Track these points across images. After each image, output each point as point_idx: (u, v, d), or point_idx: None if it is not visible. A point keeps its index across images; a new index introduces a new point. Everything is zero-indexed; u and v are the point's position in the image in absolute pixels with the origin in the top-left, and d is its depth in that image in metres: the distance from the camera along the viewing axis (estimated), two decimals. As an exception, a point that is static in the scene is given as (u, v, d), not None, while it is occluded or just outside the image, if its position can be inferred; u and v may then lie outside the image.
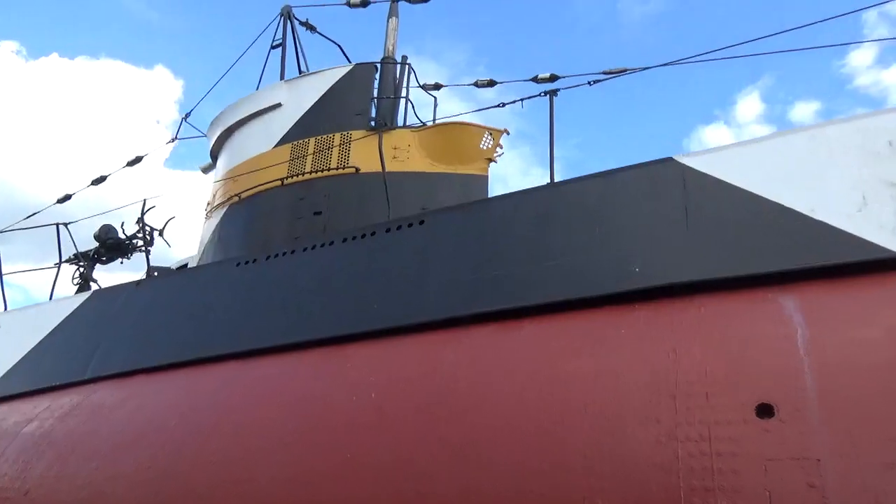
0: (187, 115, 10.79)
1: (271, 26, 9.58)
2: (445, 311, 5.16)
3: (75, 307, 8.26)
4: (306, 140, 8.15)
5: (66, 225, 9.38)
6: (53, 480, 5.88)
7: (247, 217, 8.18)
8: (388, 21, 9.38)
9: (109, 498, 5.55)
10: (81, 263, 10.82)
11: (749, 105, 41.57)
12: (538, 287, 4.79)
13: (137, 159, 11.11)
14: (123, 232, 10.60)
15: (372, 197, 7.58)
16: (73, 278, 10.75)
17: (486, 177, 7.70)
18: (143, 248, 10.72)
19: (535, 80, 8.57)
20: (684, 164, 4.66)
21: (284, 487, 4.76)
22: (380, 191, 7.60)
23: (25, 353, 8.10)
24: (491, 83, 9.56)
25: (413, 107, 8.46)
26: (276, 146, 8.38)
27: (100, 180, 11.01)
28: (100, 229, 10.58)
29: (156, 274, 8.93)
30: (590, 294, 4.55)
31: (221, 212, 8.63)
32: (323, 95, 8.36)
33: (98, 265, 10.95)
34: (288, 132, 8.36)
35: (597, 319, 4.50)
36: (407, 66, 8.99)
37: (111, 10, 41.13)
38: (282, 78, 9.13)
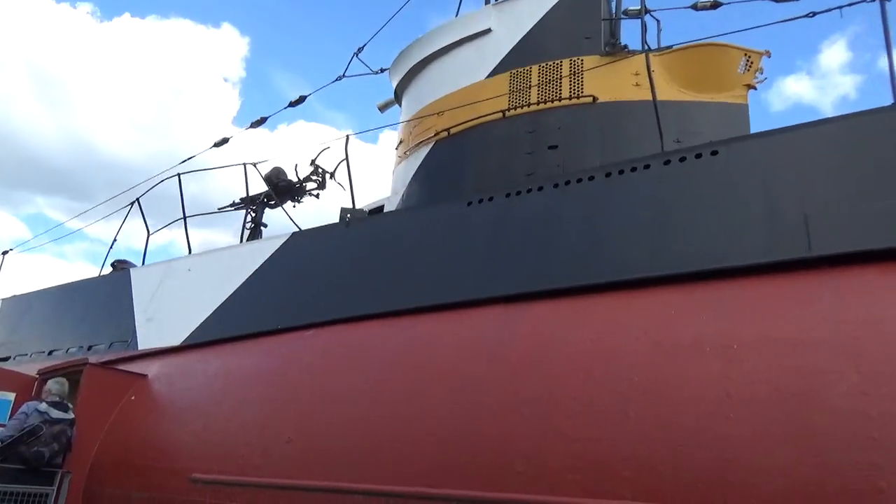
0: (360, 49, 10.18)
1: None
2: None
3: (274, 250, 7.85)
4: (528, 68, 7.32)
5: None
6: (313, 426, 5.44)
7: (460, 153, 7.47)
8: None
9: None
10: (252, 207, 10.51)
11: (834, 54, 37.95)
12: None
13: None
14: (296, 174, 10.17)
15: (615, 129, 6.74)
16: (244, 223, 10.46)
17: (746, 105, 6.71)
18: (313, 193, 10.33)
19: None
20: None
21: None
22: (624, 122, 6.77)
23: (229, 295, 7.77)
24: (714, 5, 8.43)
25: (657, 28, 7.46)
26: (488, 76, 7.59)
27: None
28: (270, 172, 10.18)
29: (348, 216, 8.42)
30: None
31: (423, 150, 7.96)
32: (542, 19, 7.49)
33: (267, 209, 10.62)
34: (503, 60, 7.55)
35: None
36: None
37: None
38: (488, 2, 8.29)
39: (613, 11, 7.74)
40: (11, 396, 6.93)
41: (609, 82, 6.84)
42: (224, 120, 44.29)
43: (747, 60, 6.76)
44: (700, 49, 6.81)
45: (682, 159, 5.29)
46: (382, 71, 10.48)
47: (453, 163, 7.47)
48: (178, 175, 9.29)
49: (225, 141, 11.60)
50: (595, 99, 6.83)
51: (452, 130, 7.58)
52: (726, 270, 4.53)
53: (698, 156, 5.22)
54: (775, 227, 4.49)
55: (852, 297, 4.02)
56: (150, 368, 7.55)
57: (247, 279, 7.82)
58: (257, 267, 7.84)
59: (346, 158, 7.54)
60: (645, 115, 6.73)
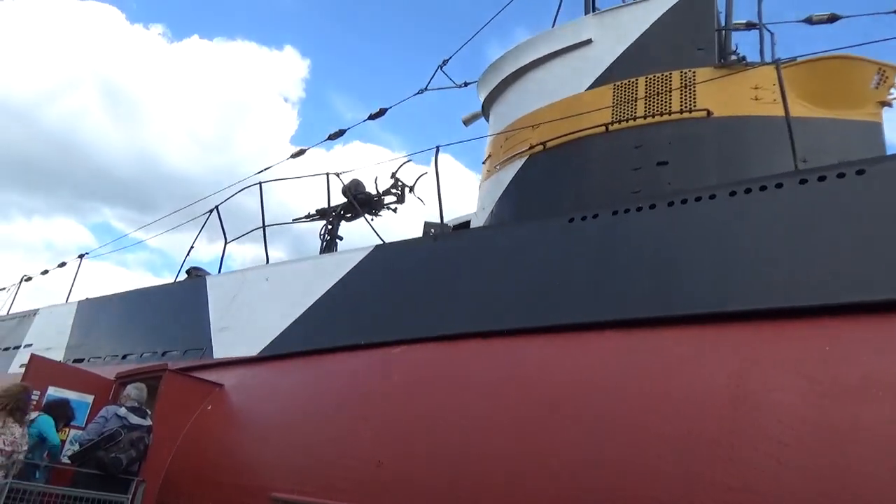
0: (444, 62, 9.97)
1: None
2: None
3: (356, 263, 7.59)
4: (633, 80, 6.92)
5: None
6: (408, 451, 5.06)
7: (557, 168, 7.09)
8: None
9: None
10: (329, 219, 10.35)
11: None
12: None
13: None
14: (376, 187, 9.98)
15: (733, 145, 6.24)
16: (320, 234, 10.30)
17: (880, 124, 6.12)
18: (391, 206, 10.10)
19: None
20: None
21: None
22: (743, 139, 6.27)
23: (308, 307, 7.53)
24: (832, 18, 7.88)
25: (770, 41, 6.97)
26: (589, 88, 7.22)
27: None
28: (349, 183, 10.00)
29: (433, 231, 8.13)
30: None
31: (516, 164, 7.61)
32: (648, 29, 7.08)
33: (344, 222, 10.45)
34: (605, 72, 7.17)
35: None
36: None
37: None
38: (587, 12, 7.95)
39: (724, 22, 7.29)
40: (90, 399, 6.80)
41: (725, 96, 6.36)
42: (283, 138, 45.39)
43: (881, 75, 6.19)
44: (829, 62, 6.27)
45: (822, 178, 4.77)
46: (466, 85, 10.26)
47: (550, 178, 7.08)
48: (260, 184, 9.20)
49: (301, 152, 11.60)
50: (710, 113, 6.35)
51: (549, 144, 7.21)
52: (885, 304, 3.99)
53: (840, 175, 4.70)
54: None
55: None
56: (227, 378, 7.34)
57: (327, 291, 7.57)
58: (338, 279, 7.59)
59: (436, 170, 7.25)
60: (766, 131, 6.25)
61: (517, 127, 7.73)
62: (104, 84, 39.67)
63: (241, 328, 8.21)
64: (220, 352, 8.14)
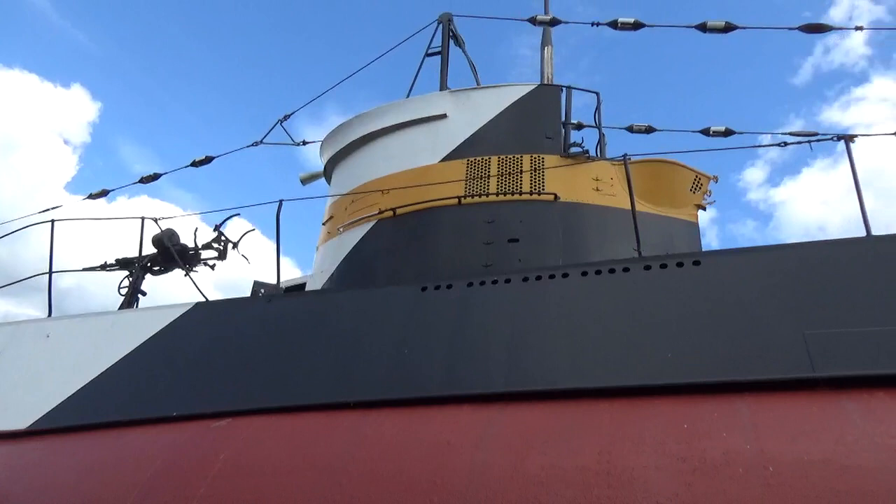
0: (286, 117, 9.58)
1: (423, 33, 8.62)
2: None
3: (170, 321, 6.61)
4: (486, 158, 7.08)
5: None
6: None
7: (407, 235, 6.90)
8: (542, 50, 8.64)
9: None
10: (130, 271, 9.03)
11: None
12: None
13: (208, 159, 9.83)
14: (195, 240, 8.95)
15: (577, 229, 6.56)
16: (119, 287, 8.91)
17: (697, 224, 6.86)
18: (209, 262, 9.14)
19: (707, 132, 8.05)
20: None
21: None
22: (584, 224, 6.64)
23: (105, 369, 6.33)
24: (649, 129, 8.93)
25: (599, 140, 7.60)
26: (443, 160, 7.25)
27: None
28: (164, 232, 8.87)
29: (262, 292, 7.40)
30: None
31: (363, 228, 7.30)
32: (502, 112, 7.38)
33: (148, 274, 9.17)
34: (459, 147, 7.27)
35: None
36: (569, 95, 8.17)
37: (35, 23, 38.73)
38: (442, 88, 8.09)
39: (564, 117, 7.86)
40: None
41: (571, 183, 6.75)
42: (57, 184, 39.84)
43: (696, 182, 7.00)
44: (656, 164, 6.98)
45: (664, 266, 5.14)
46: (305, 143, 9.90)
47: (399, 244, 6.87)
48: (52, 221, 7.79)
49: (105, 193, 10.33)
50: (557, 196, 6.67)
51: (399, 211, 7.04)
52: (744, 384, 4.25)
53: (679, 264, 5.10)
54: (770, 343, 4.32)
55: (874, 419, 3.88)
56: (-18, 457, 5.79)
57: (132, 351, 6.46)
58: (147, 338, 6.53)
59: (277, 225, 6.67)
60: (604, 220, 6.68)
61: (365, 190, 7.48)
62: None
63: (7, 393, 6.64)
64: (-27, 423, 6.46)
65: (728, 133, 8.27)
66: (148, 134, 42.54)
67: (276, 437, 5.00)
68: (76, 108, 42.28)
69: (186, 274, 9.21)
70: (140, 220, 7.64)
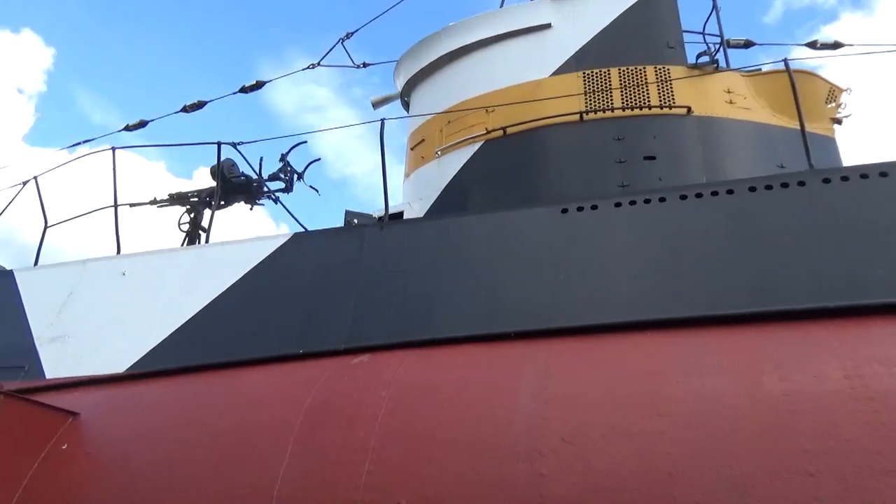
0: (348, 35, 8.77)
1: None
2: None
3: (266, 255, 6.00)
4: (605, 70, 6.45)
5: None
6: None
7: (524, 156, 6.30)
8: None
9: None
10: (188, 206, 8.33)
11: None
12: None
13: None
14: (259, 170, 8.22)
15: (715, 144, 6.03)
16: (179, 224, 8.22)
17: (834, 139, 6.37)
18: (274, 195, 8.46)
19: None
20: None
21: None
22: (722, 139, 6.11)
23: (200, 310, 5.73)
24: (748, 43, 8.30)
25: (726, 49, 6.98)
26: (553, 74, 6.60)
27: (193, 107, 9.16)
28: (223, 164, 8.12)
29: (355, 221, 6.79)
30: None
31: (464, 150, 6.68)
32: (615, 21, 6.72)
33: (207, 209, 8.47)
34: (570, 59, 6.62)
35: None
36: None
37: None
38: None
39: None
40: None
41: (704, 95, 6.19)
42: (15, 135, 37.35)
43: (831, 94, 6.48)
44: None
45: (845, 178, 4.65)
46: (365, 65, 9.14)
47: (516, 165, 6.27)
48: (113, 148, 7.04)
49: (143, 124, 9.58)
50: (690, 110, 6.10)
51: (509, 130, 6.42)
52: None
53: (863, 175, 4.61)
54: None
55: None
56: (84, 404, 5.22)
57: (229, 288, 5.86)
58: (243, 274, 5.93)
59: (382, 147, 6.00)
60: (740, 134, 6.16)
61: (465, 108, 6.81)
62: None
63: (87, 337, 6.03)
64: (55, 370, 5.86)
65: (836, 46, 7.69)
66: (107, 83, 39.77)
67: (437, 370, 4.51)
68: (29, 55, 39.34)
69: (252, 207, 8.59)
70: (216, 146, 6.90)
